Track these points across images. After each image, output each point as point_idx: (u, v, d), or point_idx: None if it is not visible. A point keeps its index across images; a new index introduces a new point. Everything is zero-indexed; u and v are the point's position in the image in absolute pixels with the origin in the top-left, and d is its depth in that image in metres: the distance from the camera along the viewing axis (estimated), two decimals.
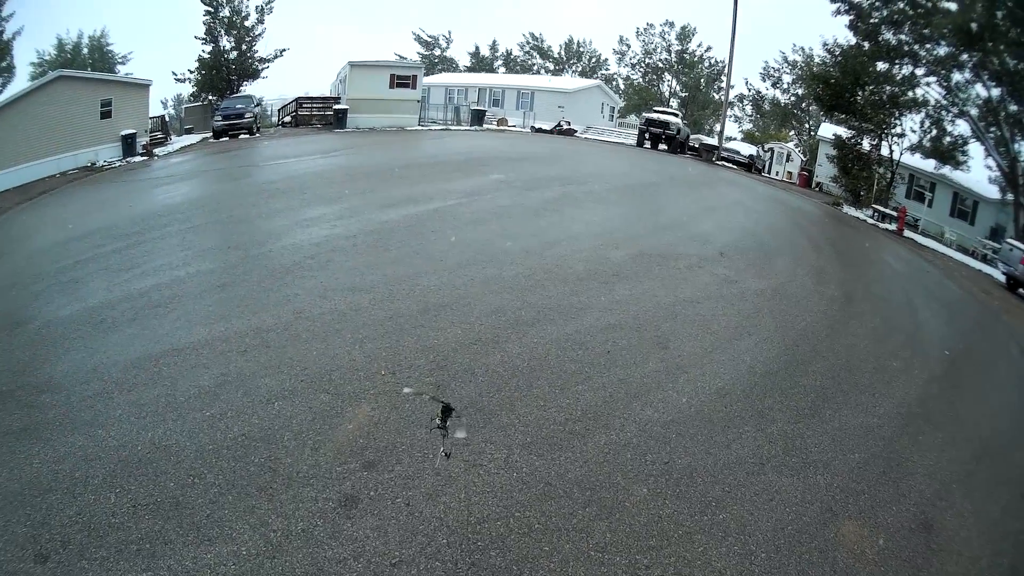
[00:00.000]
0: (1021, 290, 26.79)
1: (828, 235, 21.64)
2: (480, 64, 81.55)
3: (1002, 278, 28.34)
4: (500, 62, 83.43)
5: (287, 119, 42.08)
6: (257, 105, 38.12)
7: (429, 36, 79.81)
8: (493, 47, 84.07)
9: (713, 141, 45.13)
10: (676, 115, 44.90)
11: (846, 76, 35.37)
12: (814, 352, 10.57)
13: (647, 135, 41.22)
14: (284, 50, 43.08)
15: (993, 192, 42.29)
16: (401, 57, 69.49)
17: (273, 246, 11.88)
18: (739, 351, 9.95)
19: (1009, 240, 30.12)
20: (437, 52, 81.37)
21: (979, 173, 44.50)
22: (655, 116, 42.36)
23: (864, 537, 6.34)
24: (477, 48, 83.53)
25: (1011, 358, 15.16)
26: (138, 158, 28.65)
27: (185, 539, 4.93)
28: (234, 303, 9.52)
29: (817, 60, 41.49)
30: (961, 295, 20.32)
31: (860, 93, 35.04)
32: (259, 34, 41.61)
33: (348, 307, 9.31)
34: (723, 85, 66.82)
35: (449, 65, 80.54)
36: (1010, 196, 37.42)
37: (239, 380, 7.14)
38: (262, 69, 42.79)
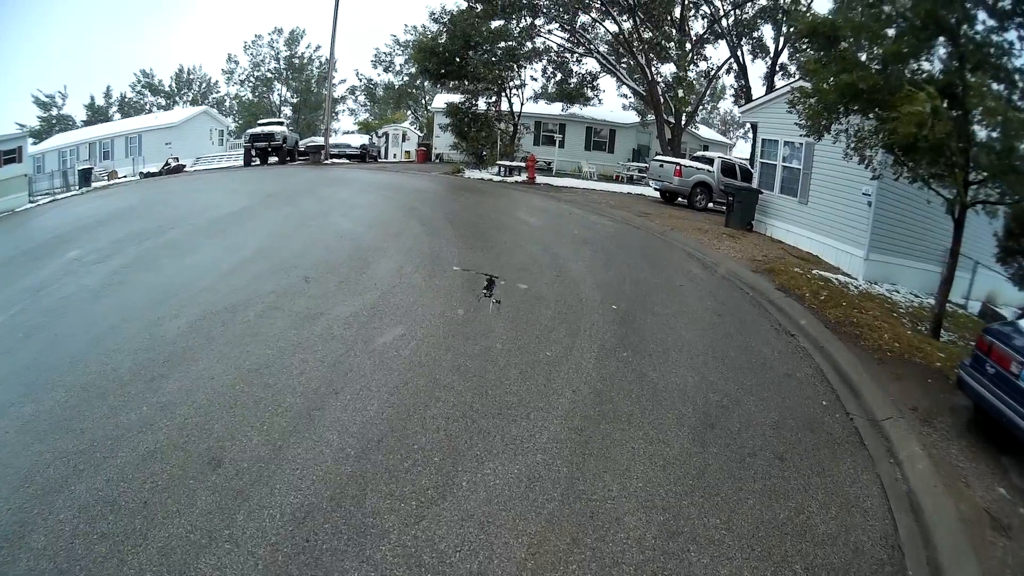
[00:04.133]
0: (680, 200, 27.01)
1: (446, 210, 19.64)
2: (96, 115, 72.96)
3: (657, 195, 28.38)
4: (115, 108, 76.09)
5: None
6: None
7: (46, 96, 71.94)
8: (107, 94, 76.79)
9: (321, 141, 42.33)
10: (280, 123, 42.87)
11: (454, 42, 33.49)
12: (432, 382, 7.76)
13: (253, 152, 38.23)
14: None
15: (631, 117, 43.85)
16: (21, 126, 62.29)
17: None
18: (323, 430, 6.61)
19: (657, 157, 30.51)
20: (55, 112, 72.39)
21: (611, 103, 46.05)
22: (258, 130, 39.57)
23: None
24: (92, 99, 75.61)
25: (696, 279, 13.26)
26: None
27: None
28: None
29: (424, 32, 39.54)
30: (614, 228, 18.78)
31: (471, 55, 33.38)
32: None
33: None
34: (334, 82, 66.03)
35: (67, 124, 71.08)
36: (650, 117, 38.54)
37: None
38: None
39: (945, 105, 9.99)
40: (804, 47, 13.37)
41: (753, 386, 8.62)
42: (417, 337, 8.90)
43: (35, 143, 58.40)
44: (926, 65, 10.96)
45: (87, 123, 69.17)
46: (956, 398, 8.39)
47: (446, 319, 9.66)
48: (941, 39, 10.47)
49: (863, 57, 11.33)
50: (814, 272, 15.10)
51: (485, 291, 11.00)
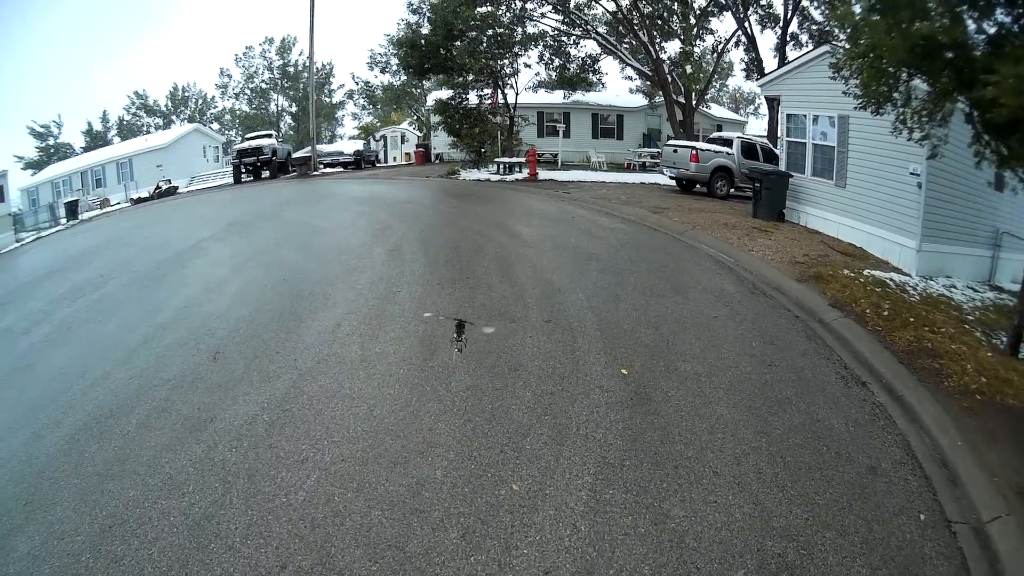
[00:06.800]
0: (699, 187, 23.82)
1: (423, 226, 16.21)
2: (95, 141, 70.41)
3: (672, 183, 25.27)
4: (114, 132, 73.50)
5: None
6: None
7: (41, 126, 68.91)
8: (104, 118, 73.92)
9: (307, 153, 39.95)
10: (268, 136, 39.94)
11: (436, 32, 30.34)
12: (324, 564, 5.08)
13: (242, 168, 35.63)
14: None
15: (638, 100, 40.54)
16: (19, 158, 61.53)
17: None
18: None
19: (671, 141, 27.07)
20: (52, 141, 69.72)
21: (616, 87, 42.76)
22: (245, 146, 37.00)
23: None
24: (90, 125, 72.79)
25: (732, 303, 10.19)
26: None
27: None
28: None
29: (405, 25, 36.05)
30: (625, 232, 15.63)
31: (457, 45, 30.28)
32: None
33: None
34: (333, 88, 64.27)
35: (65, 152, 68.62)
36: (659, 98, 35.25)
37: None
38: None
39: None
40: None
41: (828, 508, 5.67)
42: (323, 463, 5.93)
43: (33, 174, 56.83)
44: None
45: (86, 149, 67.14)
46: None
47: (373, 423, 6.61)
48: None
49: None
50: (866, 274, 12.22)
51: (439, 365, 7.96)
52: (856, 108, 10.83)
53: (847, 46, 10.40)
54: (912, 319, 10.17)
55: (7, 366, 9.93)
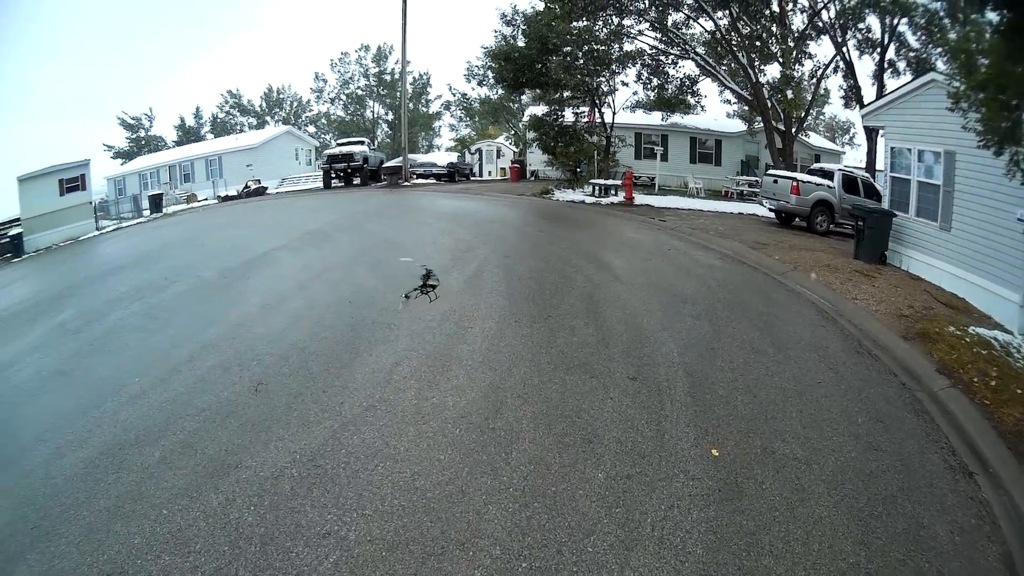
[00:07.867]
0: (798, 221, 22.32)
1: (509, 251, 15.44)
2: (187, 136, 72.45)
3: (770, 214, 23.79)
4: (207, 128, 75.29)
5: None
6: None
7: (132, 118, 70.37)
8: (197, 114, 75.75)
9: (413, 158, 39.56)
10: (360, 143, 40.20)
11: (531, 46, 29.66)
12: None
13: (332, 174, 35.83)
14: None
15: (737, 125, 38.97)
16: (108, 147, 63.97)
17: None
18: None
19: (772, 172, 25.55)
20: (142, 133, 71.53)
21: (714, 110, 41.18)
22: (336, 151, 37.11)
23: None
24: (182, 120, 74.69)
25: (836, 366, 9.00)
26: None
27: None
28: None
29: (500, 37, 35.25)
30: (723, 270, 14.45)
31: (552, 59, 29.52)
32: None
33: None
34: (429, 99, 64.36)
35: (157, 145, 70.55)
36: (758, 124, 33.61)
37: None
38: None
39: None
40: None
41: None
42: (347, 542, 5.07)
43: (122, 163, 58.81)
44: None
45: (178, 143, 69.27)
46: None
47: (413, 496, 5.67)
48: None
49: None
50: (972, 332, 10.83)
51: (503, 427, 6.95)
52: (978, 146, 9.49)
53: (951, 74, 9.18)
54: (1020, 391, 8.91)
55: (51, 367, 9.75)
